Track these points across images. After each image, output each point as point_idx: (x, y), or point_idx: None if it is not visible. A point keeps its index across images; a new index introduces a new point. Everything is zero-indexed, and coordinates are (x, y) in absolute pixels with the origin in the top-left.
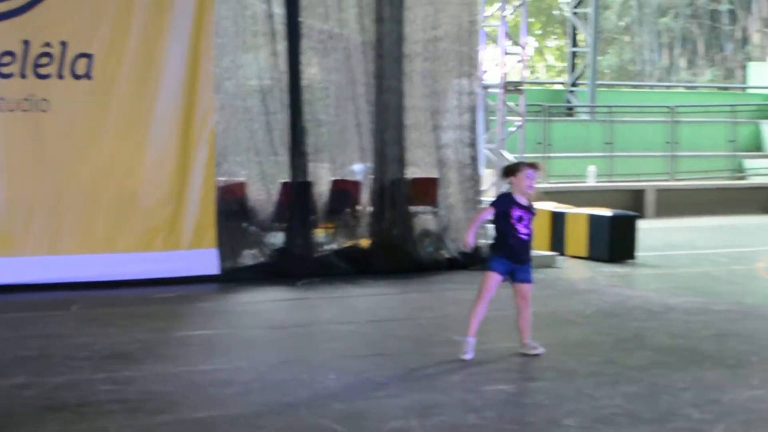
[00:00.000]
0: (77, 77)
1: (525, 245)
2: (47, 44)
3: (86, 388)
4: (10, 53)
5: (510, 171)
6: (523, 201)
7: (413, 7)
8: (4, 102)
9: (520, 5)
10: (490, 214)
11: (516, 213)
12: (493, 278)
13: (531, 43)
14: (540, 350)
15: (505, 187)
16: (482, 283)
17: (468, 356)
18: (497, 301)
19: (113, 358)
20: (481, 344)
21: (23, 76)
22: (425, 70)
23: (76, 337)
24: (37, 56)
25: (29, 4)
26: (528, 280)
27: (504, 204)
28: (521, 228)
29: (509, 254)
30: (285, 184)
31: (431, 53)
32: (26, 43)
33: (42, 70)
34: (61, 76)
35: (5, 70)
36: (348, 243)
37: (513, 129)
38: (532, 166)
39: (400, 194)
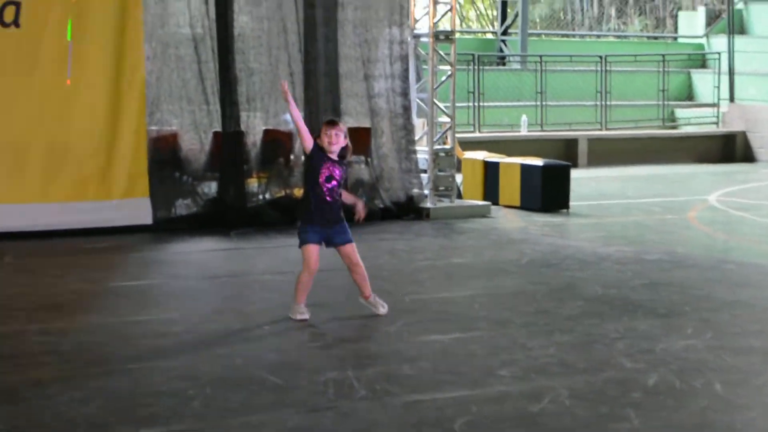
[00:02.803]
0: (5, 25)
1: (335, 209)
2: None
3: (19, 339)
4: None
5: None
6: (335, 156)
7: None
8: None
9: None
10: (309, 143)
11: (325, 171)
12: (312, 251)
13: None
14: (383, 310)
15: None
16: (305, 257)
17: (305, 317)
18: (428, 250)
19: (46, 310)
20: (415, 294)
21: None
22: (357, 18)
23: (8, 288)
24: None
25: None
26: (347, 241)
27: (317, 153)
28: (326, 192)
29: (319, 220)
30: (217, 134)
31: (362, 2)
32: None
33: None
34: None
35: None
36: (281, 193)
37: (444, 78)
38: (329, 123)
39: None
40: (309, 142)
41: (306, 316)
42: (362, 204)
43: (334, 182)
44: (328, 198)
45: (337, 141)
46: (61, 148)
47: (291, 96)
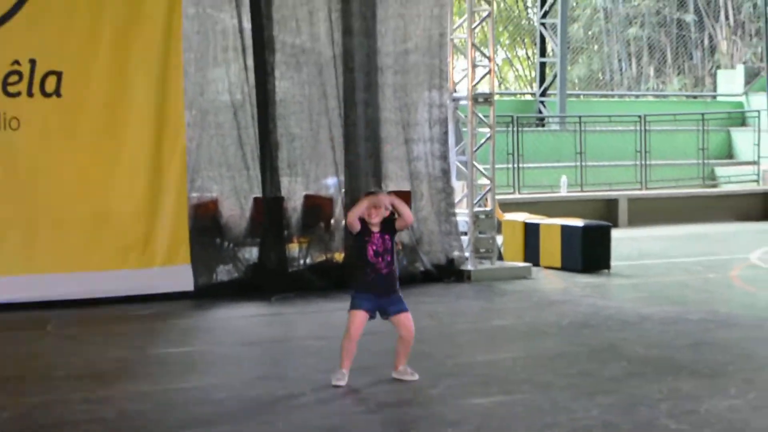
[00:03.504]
0: (47, 95)
1: (388, 280)
2: (16, 62)
3: (63, 408)
4: None
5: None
6: (375, 228)
7: (384, 20)
8: None
9: (487, 16)
10: (357, 223)
11: (371, 248)
12: (357, 316)
13: (500, 53)
14: (414, 376)
15: None
16: (348, 322)
17: (341, 383)
18: (468, 313)
19: (89, 378)
20: (457, 357)
21: None
22: (396, 83)
23: (51, 357)
24: (6, 75)
25: None
26: (402, 310)
27: (362, 229)
28: (378, 265)
29: (372, 289)
30: (257, 199)
31: (402, 66)
32: None
33: (11, 89)
34: (30, 94)
35: None
36: (322, 257)
37: (483, 141)
38: (370, 194)
39: None
40: (357, 226)
41: (342, 382)
42: (405, 207)
43: (381, 255)
44: (382, 270)
45: (377, 213)
46: (102, 216)
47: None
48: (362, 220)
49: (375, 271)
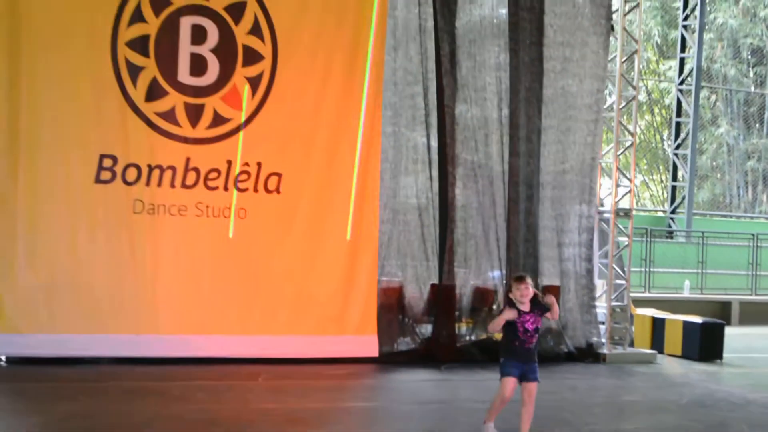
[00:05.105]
0: (269, 192)
1: (531, 352)
2: (246, 164)
3: None
4: (216, 170)
5: (508, 289)
6: (526, 308)
7: (547, 144)
8: (211, 209)
9: (630, 146)
10: (512, 316)
11: (520, 326)
12: (510, 383)
13: (639, 176)
14: None
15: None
16: (501, 388)
17: None
18: (603, 389)
19: (290, 423)
20: (592, 425)
21: (226, 189)
22: (554, 196)
23: (260, 403)
24: (238, 174)
25: (233, 130)
26: (535, 379)
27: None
28: (526, 338)
29: (519, 358)
30: (434, 285)
31: (559, 183)
32: (229, 162)
33: (241, 185)
34: (256, 190)
35: (212, 183)
36: (484, 336)
37: (622, 248)
38: (518, 279)
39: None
40: (513, 314)
41: None
42: (556, 307)
43: (529, 332)
44: (525, 345)
45: (526, 293)
46: (307, 293)
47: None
48: (511, 302)
49: (520, 344)
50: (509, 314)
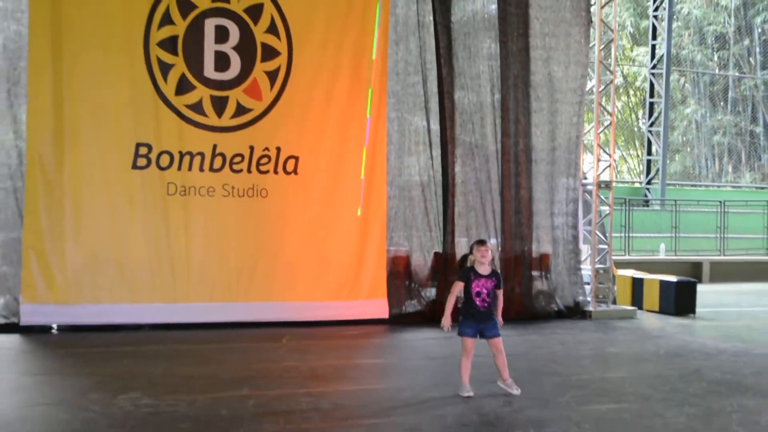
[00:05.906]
0: (287, 173)
1: (486, 312)
2: (266, 149)
3: (292, 399)
4: (240, 155)
5: (470, 251)
6: (484, 271)
7: (539, 125)
8: (236, 190)
9: (608, 125)
10: (460, 289)
11: (475, 288)
12: (467, 342)
13: (617, 152)
14: (517, 391)
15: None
16: (462, 347)
17: (469, 394)
18: (589, 342)
19: (311, 378)
20: (580, 375)
21: (249, 171)
22: (547, 171)
23: (284, 362)
24: (259, 157)
25: (255, 119)
26: (494, 335)
27: (466, 278)
28: (478, 301)
29: (473, 319)
30: (437, 254)
31: (551, 159)
32: (251, 148)
33: (262, 168)
34: (276, 172)
35: (236, 167)
36: None
37: (603, 216)
38: (479, 242)
39: (525, 263)
40: (459, 289)
41: (470, 393)
42: (500, 321)
43: (481, 296)
44: (479, 306)
45: (487, 255)
46: (324, 261)
47: (449, 311)
48: (470, 269)
49: (474, 305)
50: (453, 297)
